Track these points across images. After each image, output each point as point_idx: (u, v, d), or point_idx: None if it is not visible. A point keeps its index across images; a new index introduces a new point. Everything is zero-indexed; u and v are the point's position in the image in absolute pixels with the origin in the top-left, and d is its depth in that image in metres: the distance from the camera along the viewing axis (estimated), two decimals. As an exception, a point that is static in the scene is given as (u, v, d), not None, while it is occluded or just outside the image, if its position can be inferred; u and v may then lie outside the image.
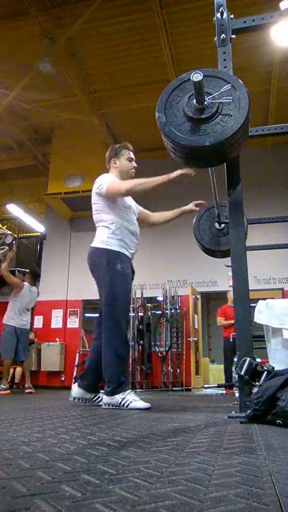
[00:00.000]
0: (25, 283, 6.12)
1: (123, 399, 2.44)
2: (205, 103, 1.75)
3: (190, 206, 2.96)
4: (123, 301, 2.63)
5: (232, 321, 6.54)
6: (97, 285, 2.76)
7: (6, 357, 5.77)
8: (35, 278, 6.51)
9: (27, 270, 8.65)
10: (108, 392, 2.51)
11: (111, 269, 2.63)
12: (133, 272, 2.83)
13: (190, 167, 2.31)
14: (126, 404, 2.42)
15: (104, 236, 2.73)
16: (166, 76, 6.92)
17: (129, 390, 2.52)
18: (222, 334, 7.06)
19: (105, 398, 2.54)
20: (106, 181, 2.74)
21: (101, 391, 2.76)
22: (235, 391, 4.36)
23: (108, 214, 2.76)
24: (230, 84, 1.79)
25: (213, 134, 1.71)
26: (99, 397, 2.75)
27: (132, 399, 2.45)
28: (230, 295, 7.05)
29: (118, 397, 2.46)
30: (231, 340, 6.56)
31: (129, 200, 2.90)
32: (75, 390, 2.80)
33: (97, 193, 2.79)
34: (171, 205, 3.07)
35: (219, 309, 7.11)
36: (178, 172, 2.43)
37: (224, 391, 6.32)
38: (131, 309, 6.80)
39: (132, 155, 2.96)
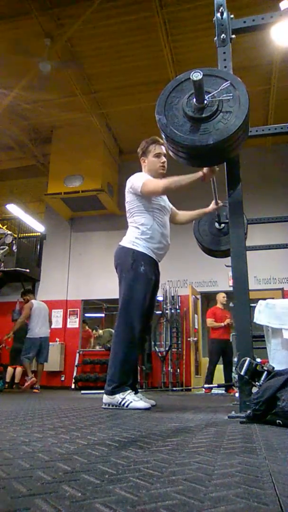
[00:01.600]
0: (32, 300, 6.98)
1: (123, 399, 2.44)
2: (205, 102, 1.75)
3: (212, 206, 2.97)
4: (139, 303, 2.59)
5: (222, 324, 6.67)
6: (119, 284, 2.73)
7: (26, 361, 6.59)
8: (32, 293, 7.59)
9: (27, 270, 8.73)
10: (108, 392, 2.50)
11: (134, 269, 2.61)
12: (157, 280, 2.77)
13: (191, 167, 2.30)
14: (126, 404, 2.41)
15: (133, 237, 2.70)
16: (166, 76, 6.91)
17: (129, 390, 2.50)
18: (209, 336, 7.16)
19: (105, 398, 2.52)
20: (140, 180, 2.66)
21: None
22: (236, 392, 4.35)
23: (140, 214, 2.71)
24: (228, 82, 1.78)
25: (216, 132, 1.71)
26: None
27: (132, 399, 2.44)
28: (219, 297, 7.14)
29: (118, 397, 2.45)
30: (229, 341, 6.62)
31: (165, 200, 2.86)
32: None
33: (131, 193, 2.73)
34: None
35: (209, 310, 7.18)
36: (205, 168, 2.43)
37: (224, 391, 6.33)
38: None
39: (159, 149, 2.81)
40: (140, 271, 2.60)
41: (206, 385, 6.47)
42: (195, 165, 2.11)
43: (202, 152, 1.76)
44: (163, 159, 2.82)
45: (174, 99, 1.85)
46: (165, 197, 2.89)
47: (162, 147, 2.80)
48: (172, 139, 1.76)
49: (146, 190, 2.62)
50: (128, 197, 2.76)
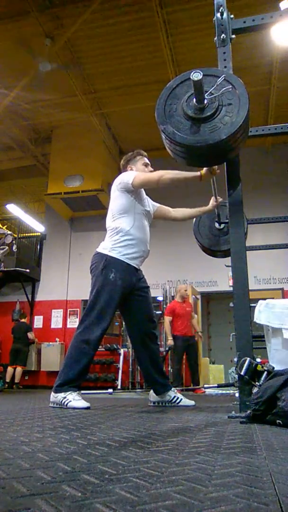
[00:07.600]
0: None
1: (64, 397, 2.48)
2: (205, 101, 1.75)
3: (211, 203, 2.95)
4: (103, 309, 2.56)
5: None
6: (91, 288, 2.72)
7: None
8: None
9: (27, 270, 8.76)
10: (54, 389, 2.56)
11: (104, 276, 2.59)
12: (133, 285, 2.69)
13: (195, 167, 2.30)
14: (66, 403, 2.45)
15: (109, 243, 2.67)
16: (166, 76, 6.92)
17: (72, 391, 2.51)
18: (172, 331, 6.43)
19: (51, 396, 2.57)
20: (131, 173, 2.67)
21: (173, 388, 2.83)
22: (234, 392, 4.34)
23: (120, 220, 2.67)
24: (223, 76, 1.79)
25: (225, 127, 1.70)
26: (177, 397, 2.76)
27: (72, 398, 2.46)
28: (181, 289, 6.59)
29: (60, 396, 2.50)
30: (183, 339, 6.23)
31: (147, 204, 2.83)
32: (152, 396, 2.83)
33: (118, 190, 2.68)
34: (172, 205, 3.07)
35: (167, 306, 6.64)
36: (204, 169, 2.43)
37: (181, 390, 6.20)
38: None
39: (147, 160, 2.89)
40: (109, 278, 2.57)
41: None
42: (205, 165, 2.10)
43: (216, 149, 1.73)
44: (151, 169, 2.86)
45: (172, 106, 1.83)
46: (149, 202, 2.88)
47: (146, 158, 2.90)
48: (184, 144, 1.73)
49: (138, 180, 2.59)
50: (114, 195, 2.72)
